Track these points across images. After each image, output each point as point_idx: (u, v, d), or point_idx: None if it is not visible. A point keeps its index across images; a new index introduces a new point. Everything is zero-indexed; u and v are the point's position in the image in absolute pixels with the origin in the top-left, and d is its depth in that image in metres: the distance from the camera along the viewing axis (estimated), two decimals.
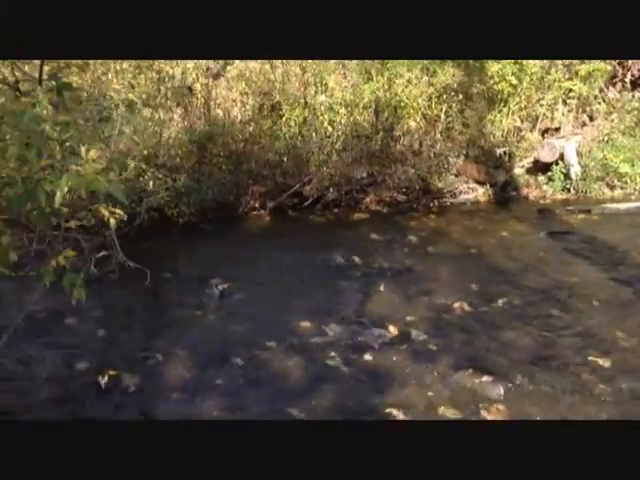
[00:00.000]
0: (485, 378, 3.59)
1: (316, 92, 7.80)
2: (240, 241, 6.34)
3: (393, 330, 4.26)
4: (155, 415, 3.39)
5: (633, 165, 7.97)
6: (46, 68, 2.70)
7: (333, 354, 3.98)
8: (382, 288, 4.99)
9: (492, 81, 8.00)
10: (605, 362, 3.77)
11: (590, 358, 3.83)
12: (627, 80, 9.55)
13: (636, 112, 8.81)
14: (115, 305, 4.74)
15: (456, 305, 4.57)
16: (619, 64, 9.44)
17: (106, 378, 3.69)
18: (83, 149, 2.22)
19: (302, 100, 7.63)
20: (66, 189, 2.15)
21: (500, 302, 4.64)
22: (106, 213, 2.79)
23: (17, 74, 2.97)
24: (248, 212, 7.24)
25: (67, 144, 2.41)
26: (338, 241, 6.12)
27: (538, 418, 3.30)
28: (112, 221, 2.82)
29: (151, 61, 7.13)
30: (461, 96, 7.98)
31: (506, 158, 7.97)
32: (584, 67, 8.44)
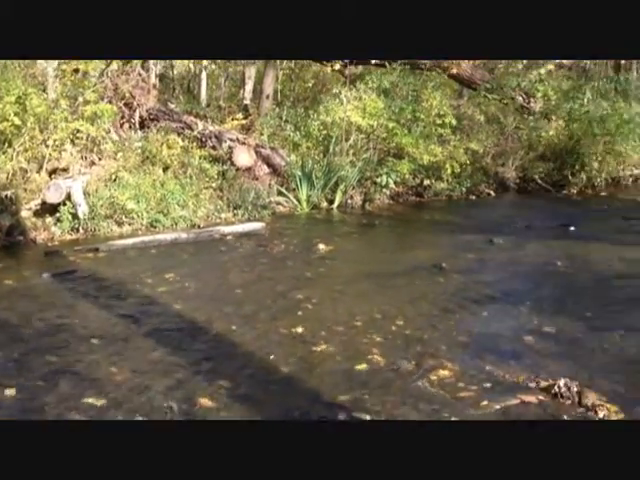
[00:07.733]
0: None
1: None
2: None
3: None
4: None
5: (138, 201, 8.20)
6: None
7: None
8: None
9: None
10: (99, 401, 3.44)
11: (85, 400, 3.47)
12: (135, 120, 10.02)
13: (140, 151, 9.15)
14: None
15: None
16: (126, 105, 9.83)
17: None
18: None
19: None
20: None
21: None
22: None
23: None
24: None
25: None
26: None
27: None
28: None
29: None
30: None
31: (11, 201, 7.60)
32: (89, 108, 8.54)
